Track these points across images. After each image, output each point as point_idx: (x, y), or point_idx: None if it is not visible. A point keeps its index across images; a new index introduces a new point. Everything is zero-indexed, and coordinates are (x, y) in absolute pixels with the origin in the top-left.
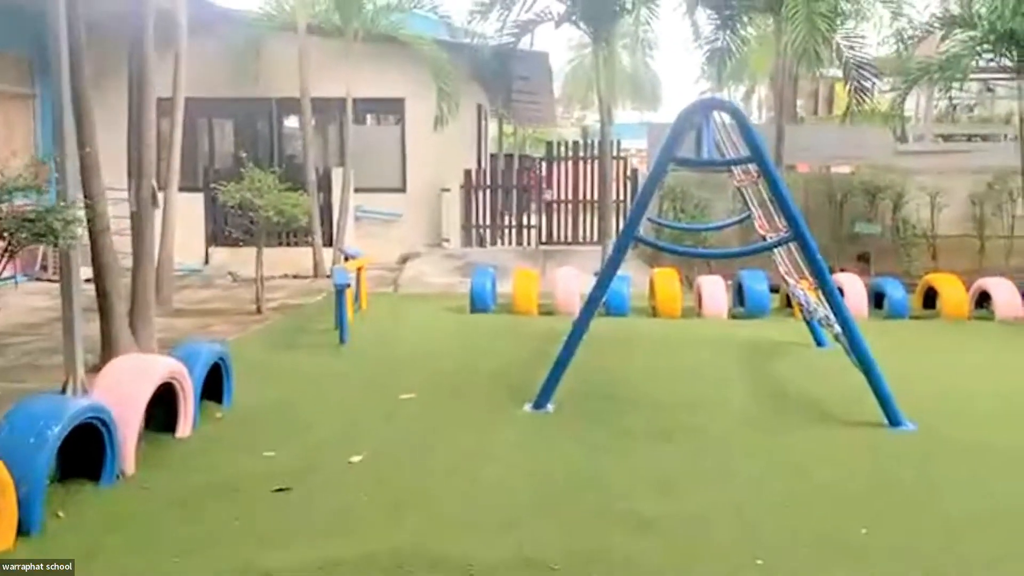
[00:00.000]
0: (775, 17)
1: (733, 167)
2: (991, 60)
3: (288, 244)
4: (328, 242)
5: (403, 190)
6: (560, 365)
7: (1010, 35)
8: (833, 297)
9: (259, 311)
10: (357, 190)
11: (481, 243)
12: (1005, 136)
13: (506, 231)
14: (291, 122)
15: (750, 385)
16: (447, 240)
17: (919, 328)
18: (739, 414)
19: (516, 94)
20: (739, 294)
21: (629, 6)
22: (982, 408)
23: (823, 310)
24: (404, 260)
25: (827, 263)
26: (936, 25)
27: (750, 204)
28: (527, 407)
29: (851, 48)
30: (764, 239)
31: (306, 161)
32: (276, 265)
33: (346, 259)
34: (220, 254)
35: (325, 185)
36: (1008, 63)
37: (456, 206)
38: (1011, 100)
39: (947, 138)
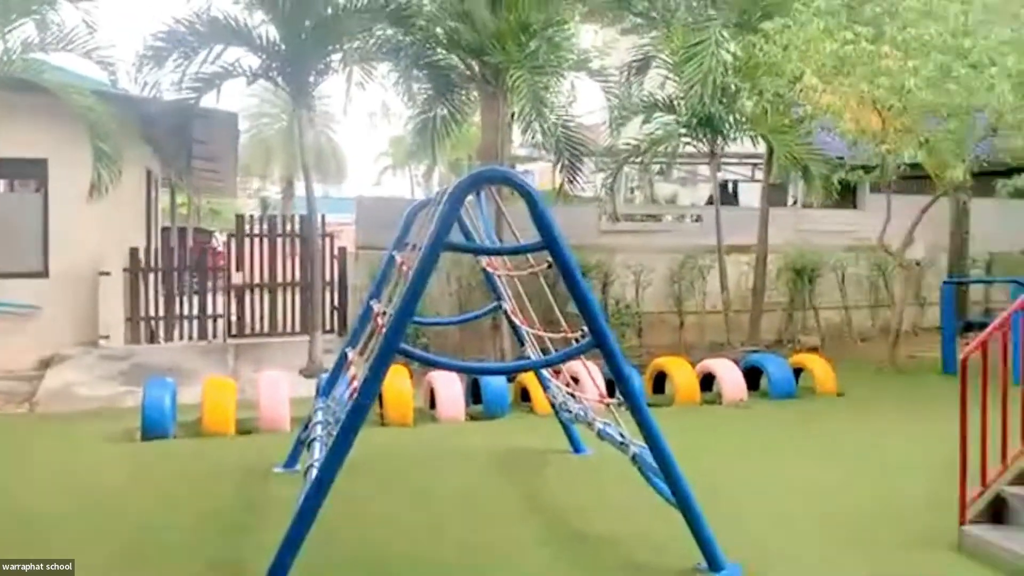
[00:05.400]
0: (486, 90)
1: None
2: (687, 143)
3: None
4: None
5: (44, 275)
6: (295, 537)
7: (708, 120)
8: (643, 417)
9: None
10: None
11: (152, 339)
12: (685, 216)
13: (184, 322)
14: None
15: (537, 524)
16: (106, 337)
17: (663, 418)
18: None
19: (195, 160)
20: (473, 389)
21: (337, 66)
22: (799, 528)
23: (604, 425)
24: (45, 366)
25: None
26: (640, 108)
27: (502, 293)
28: None
29: (563, 126)
30: (514, 329)
31: None
32: None
33: None
34: None
35: None
36: (704, 147)
37: (119, 293)
38: (670, 184)
39: (630, 218)
